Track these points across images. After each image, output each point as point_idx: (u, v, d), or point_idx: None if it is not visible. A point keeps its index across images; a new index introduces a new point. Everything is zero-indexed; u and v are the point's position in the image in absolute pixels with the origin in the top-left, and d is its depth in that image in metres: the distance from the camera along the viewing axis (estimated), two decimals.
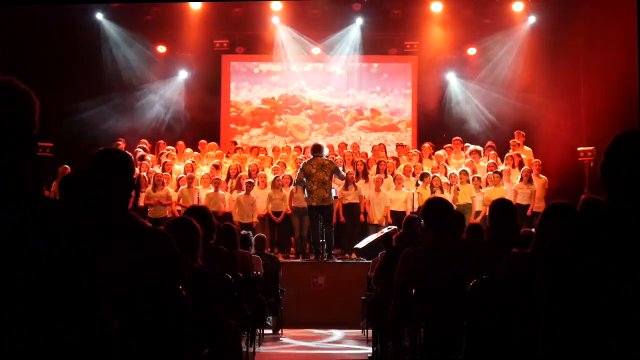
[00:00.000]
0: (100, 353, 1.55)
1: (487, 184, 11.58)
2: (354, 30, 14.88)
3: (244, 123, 15.55)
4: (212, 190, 11.52)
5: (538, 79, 14.10)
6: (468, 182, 11.41)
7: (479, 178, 11.58)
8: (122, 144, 12.70)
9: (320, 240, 10.75)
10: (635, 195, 1.87)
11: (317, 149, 10.79)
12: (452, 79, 15.03)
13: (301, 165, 10.96)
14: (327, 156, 11.07)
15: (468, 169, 11.71)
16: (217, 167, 12.26)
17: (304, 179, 10.68)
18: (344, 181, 11.34)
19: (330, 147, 13.00)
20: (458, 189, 11.27)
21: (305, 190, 10.70)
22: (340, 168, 11.33)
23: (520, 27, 14.45)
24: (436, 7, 14.46)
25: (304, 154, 12.99)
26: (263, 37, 14.93)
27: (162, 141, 13.42)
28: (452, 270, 4.04)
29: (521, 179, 11.52)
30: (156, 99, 14.65)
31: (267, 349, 8.36)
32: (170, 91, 14.90)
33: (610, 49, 12.54)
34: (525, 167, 11.91)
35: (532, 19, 14.33)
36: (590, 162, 12.02)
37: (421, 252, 4.37)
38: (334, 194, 10.93)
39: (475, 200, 11.33)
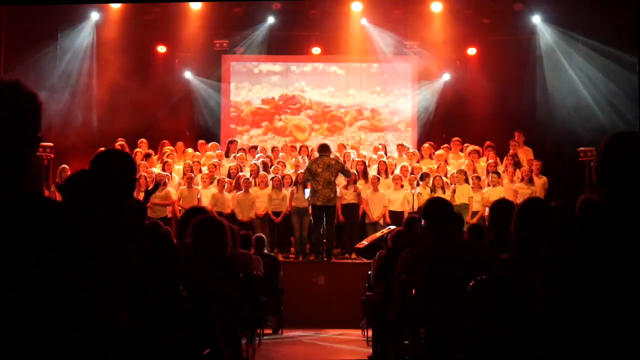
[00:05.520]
0: (100, 353, 1.55)
1: (487, 185, 11.57)
2: (354, 29, 14.87)
3: (244, 123, 15.54)
4: (216, 190, 11.52)
5: (537, 78, 14.11)
6: (466, 182, 11.39)
7: (478, 178, 11.56)
8: (122, 144, 12.68)
9: (322, 241, 10.75)
10: (630, 195, 1.87)
11: (323, 148, 10.79)
12: (453, 79, 15.01)
13: (307, 164, 10.94)
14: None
15: (466, 169, 11.69)
16: (215, 166, 12.18)
17: (309, 178, 10.66)
18: (349, 179, 11.31)
19: None
20: (455, 190, 11.25)
21: (310, 190, 10.69)
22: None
23: (519, 25, 14.45)
24: (436, 7, 14.45)
25: (300, 153, 13.00)
26: (263, 37, 14.92)
27: (165, 141, 13.40)
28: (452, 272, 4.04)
29: (522, 179, 11.52)
30: (155, 99, 14.62)
31: (267, 349, 8.36)
32: (170, 91, 14.88)
33: (610, 48, 12.57)
34: (525, 167, 11.92)
35: (530, 19, 14.33)
36: (590, 162, 12.03)
37: (421, 252, 4.36)
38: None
39: (473, 200, 11.30)
